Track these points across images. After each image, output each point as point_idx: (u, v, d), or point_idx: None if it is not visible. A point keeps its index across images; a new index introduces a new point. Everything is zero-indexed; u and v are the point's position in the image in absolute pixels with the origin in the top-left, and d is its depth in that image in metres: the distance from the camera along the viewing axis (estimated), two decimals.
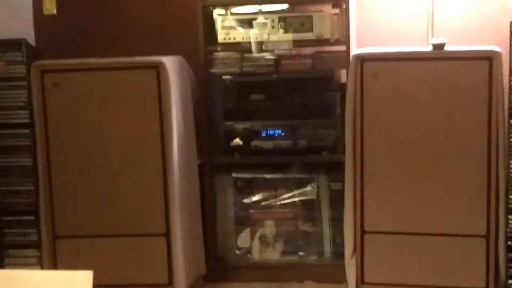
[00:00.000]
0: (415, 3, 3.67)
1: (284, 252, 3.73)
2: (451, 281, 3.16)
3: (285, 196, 3.69)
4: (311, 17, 3.54)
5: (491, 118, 3.05)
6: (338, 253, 3.53)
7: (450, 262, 3.15)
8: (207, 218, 3.65)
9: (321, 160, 3.63)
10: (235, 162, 3.71)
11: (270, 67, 3.60)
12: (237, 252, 3.76)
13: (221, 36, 3.60)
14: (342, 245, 3.37)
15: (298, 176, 3.71)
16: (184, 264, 3.32)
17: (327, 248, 3.69)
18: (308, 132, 3.66)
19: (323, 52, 3.63)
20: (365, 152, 3.18)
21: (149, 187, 3.27)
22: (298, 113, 3.66)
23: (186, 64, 3.54)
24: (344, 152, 3.25)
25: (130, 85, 3.27)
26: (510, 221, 3.14)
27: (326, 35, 3.53)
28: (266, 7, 3.61)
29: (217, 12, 3.64)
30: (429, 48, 3.17)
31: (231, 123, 3.72)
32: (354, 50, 3.34)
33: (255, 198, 3.71)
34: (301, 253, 3.71)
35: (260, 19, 3.56)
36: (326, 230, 3.68)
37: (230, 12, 3.65)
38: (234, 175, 3.74)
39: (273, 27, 3.56)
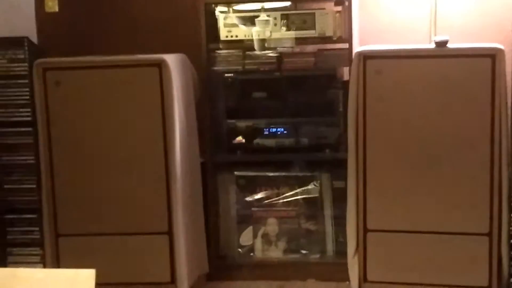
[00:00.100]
0: (418, 1, 3.66)
1: (286, 250, 3.73)
2: (454, 279, 3.15)
3: (287, 194, 3.69)
4: (313, 15, 3.54)
5: (494, 116, 3.04)
6: (341, 252, 3.52)
7: (453, 260, 3.15)
8: (210, 216, 3.65)
9: (323, 158, 3.63)
10: (237, 160, 3.70)
11: (272, 64, 3.59)
12: (240, 250, 3.76)
13: (223, 33, 3.60)
14: (344, 243, 3.37)
15: (300, 174, 3.71)
16: (186, 263, 3.31)
17: (330, 246, 3.69)
18: (310, 130, 3.66)
19: (326, 49, 3.62)
20: (368, 150, 3.17)
21: (152, 185, 3.27)
22: (300, 111, 3.66)
23: (188, 62, 3.53)
24: (346, 150, 3.24)
25: (133, 83, 3.26)
26: None
27: (329, 32, 3.53)
28: (269, 5, 3.61)
29: (219, 10, 3.63)
30: (432, 45, 3.17)
31: (233, 121, 3.72)
32: (357, 48, 3.33)
33: (258, 196, 3.71)
34: (303, 251, 3.71)
35: (263, 16, 3.55)
36: (329, 228, 3.68)
37: (233, 10, 3.65)
38: (236, 173, 3.73)
39: (275, 25, 3.56)
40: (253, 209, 3.72)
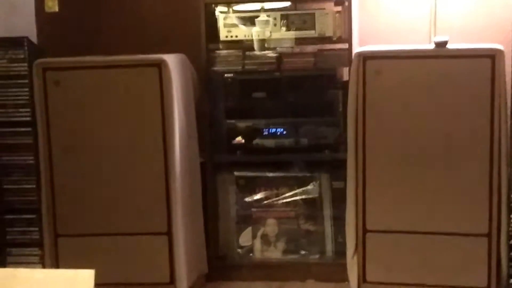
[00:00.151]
0: (418, 1, 3.66)
1: (286, 251, 3.72)
2: (453, 280, 3.15)
3: (287, 194, 3.69)
4: (313, 15, 3.54)
5: (493, 116, 3.04)
6: (340, 252, 3.52)
7: (452, 261, 3.14)
8: (209, 217, 3.65)
9: (323, 158, 3.63)
10: (237, 160, 3.70)
11: (272, 65, 3.59)
12: (239, 251, 3.76)
13: (223, 33, 3.60)
14: (344, 244, 3.36)
15: (300, 174, 3.71)
16: (186, 263, 3.31)
17: (329, 247, 3.69)
18: (310, 130, 3.66)
19: (326, 50, 3.62)
20: (367, 151, 3.17)
21: (151, 185, 3.27)
22: (300, 111, 3.66)
23: (188, 62, 3.53)
24: (346, 151, 3.24)
25: (132, 83, 3.26)
26: None
27: (329, 33, 3.53)
28: (268, 5, 3.61)
29: (219, 10, 3.63)
30: (432, 46, 3.17)
31: (233, 121, 3.72)
32: (357, 48, 3.33)
33: (257, 196, 3.71)
34: (303, 252, 3.71)
35: (262, 16, 3.55)
36: (328, 228, 3.68)
37: (232, 10, 3.65)
38: (236, 173, 3.73)
39: (275, 25, 3.56)
40: (252, 209, 3.72)
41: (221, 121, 3.73)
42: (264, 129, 3.71)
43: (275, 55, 3.58)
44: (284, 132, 3.69)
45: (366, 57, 3.14)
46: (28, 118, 3.50)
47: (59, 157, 3.31)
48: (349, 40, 3.48)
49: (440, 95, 3.09)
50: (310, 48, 3.67)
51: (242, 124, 3.71)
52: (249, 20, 3.59)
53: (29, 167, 3.53)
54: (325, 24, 3.52)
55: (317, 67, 3.57)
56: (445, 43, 3.10)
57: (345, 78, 3.60)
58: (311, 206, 3.68)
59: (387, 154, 3.15)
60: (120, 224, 3.31)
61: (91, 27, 3.89)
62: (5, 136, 3.53)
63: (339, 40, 3.54)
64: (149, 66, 3.24)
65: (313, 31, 3.54)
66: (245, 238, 3.75)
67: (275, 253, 3.72)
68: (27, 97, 3.49)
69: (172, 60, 3.26)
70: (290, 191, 3.69)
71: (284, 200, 3.69)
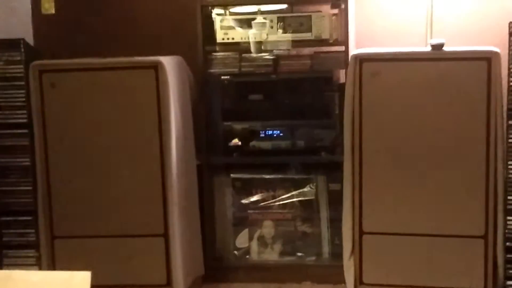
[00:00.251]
0: (414, 4, 3.66)
1: (282, 253, 3.73)
2: (450, 282, 3.15)
3: (283, 196, 3.69)
4: (310, 17, 3.54)
5: (489, 119, 3.05)
6: (337, 254, 3.53)
7: (448, 263, 3.15)
8: (206, 219, 3.65)
9: (319, 160, 3.63)
10: (233, 162, 3.71)
11: (268, 67, 3.59)
12: (236, 252, 3.76)
13: (220, 36, 3.60)
14: (340, 245, 3.36)
15: (296, 176, 3.71)
16: (182, 265, 3.31)
17: (326, 248, 3.69)
18: (306, 133, 3.66)
19: (322, 52, 3.62)
20: (364, 153, 3.17)
21: (148, 187, 3.27)
22: (296, 113, 3.66)
23: (184, 64, 3.53)
24: (342, 153, 3.24)
25: (129, 85, 3.26)
26: (508, 222, 3.14)
27: (325, 35, 3.53)
28: (265, 7, 3.61)
29: (215, 12, 3.63)
30: (428, 48, 3.17)
31: (229, 123, 3.72)
32: (353, 51, 3.34)
33: (254, 198, 3.71)
34: (299, 254, 3.71)
35: (259, 19, 3.55)
36: (325, 230, 3.68)
37: (229, 12, 3.65)
38: (232, 175, 3.74)
39: (272, 27, 3.56)
40: (249, 211, 3.72)
41: (217, 123, 3.73)
42: (261, 131, 3.71)
43: (271, 57, 3.59)
44: (281, 134, 3.69)
45: (363, 60, 3.14)
46: (24, 120, 3.49)
47: (55, 159, 3.31)
48: (345, 42, 3.48)
49: (436, 97, 3.09)
50: (306, 51, 3.67)
51: (238, 126, 3.72)
52: (246, 23, 3.59)
53: (25, 169, 3.52)
54: (322, 27, 3.52)
55: (314, 69, 3.58)
56: (442, 45, 3.11)
57: (342, 80, 3.61)
58: (308, 208, 3.68)
59: (384, 156, 3.16)
60: (116, 225, 3.31)
61: (88, 29, 3.88)
62: (1, 138, 3.52)
63: (336, 42, 3.55)
64: (145, 68, 3.24)
65: (309, 34, 3.54)
66: (241, 240, 3.75)
67: (271, 255, 3.72)
68: (24, 99, 3.48)
69: (168, 62, 3.26)
70: (287, 193, 3.69)
71: (281, 202, 3.69)
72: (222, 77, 3.70)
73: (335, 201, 3.53)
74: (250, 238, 3.74)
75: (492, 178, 3.07)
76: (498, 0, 3.61)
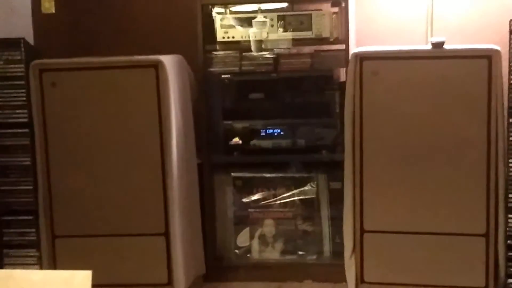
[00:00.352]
0: (415, 2, 3.66)
1: (283, 252, 3.72)
2: (451, 280, 3.15)
3: (284, 195, 3.69)
4: (310, 16, 3.54)
5: (490, 117, 3.05)
6: (338, 252, 3.52)
7: (449, 261, 3.15)
8: (206, 218, 3.64)
9: (320, 159, 3.63)
10: (234, 161, 3.70)
11: (269, 66, 3.59)
12: (237, 251, 3.76)
13: (220, 34, 3.60)
14: (341, 244, 3.36)
15: (297, 175, 3.71)
16: (183, 264, 3.31)
17: (327, 247, 3.69)
18: (307, 131, 3.66)
19: (322, 50, 3.62)
20: (365, 151, 3.17)
21: (148, 186, 3.27)
22: (297, 112, 3.66)
23: (185, 63, 3.53)
24: (343, 151, 3.24)
25: (129, 84, 3.26)
26: (509, 220, 3.13)
27: (325, 33, 3.53)
28: (265, 6, 3.61)
29: (216, 11, 3.63)
30: (429, 46, 3.17)
31: (230, 122, 3.72)
32: (353, 49, 3.34)
33: (255, 197, 3.71)
34: (300, 253, 3.71)
35: (259, 17, 3.55)
36: (326, 229, 3.68)
37: (229, 11, 3.65)
38: (233, 174, 3.73)
39: (272, 26, 3.56)
40: (250, 210, 3.72)
41: (218, 122, 3.73)
42: (261, 130, 3.71)
43: (272, 56, 3.59)
44: (281, 133, 3.69)
45: (363, 58, 3.14)
46: (24, 120, 3.49)
47: (56, 158, 3.31)
48: (346, 41, 3.48)
49: (437, 95, 3.09)
50: (307, 49, 3.67)
51: (239, 125, 3.72)
52: (246, 21, 3.59)
53: (26, 168, 3.52)
54: (322, 25, 3.52)
55: (314, 68, 3.58)
56: (442, 43, 3.11)
57: (342, 79, 3.60)
58: (309, 206, 3.68)
59: (385, 154, 3.16)
60: (117, 225, 3.30)
61: (88, 28, 3.88)
62: (2, 138, 3.52)
63: (336, 41, 3.54)
64: (146, 67, 3.24)
65: (310, 32, 3.54)
66: (242, 239, 3.75)
67: (272, 254, 3.72)
68: (24, 99, 3.48)
69: (169, 61, 3.26)
70: (288, 191, 3.69)
71: (282, 201, 3.69)
72: (223, 76, 3.70)
73: (336, 199, 3.53)
74: (251, 237, 3.74)
75: (493, 176, 3.07)
76: None
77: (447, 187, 3.12)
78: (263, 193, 3.71)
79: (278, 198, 3.70)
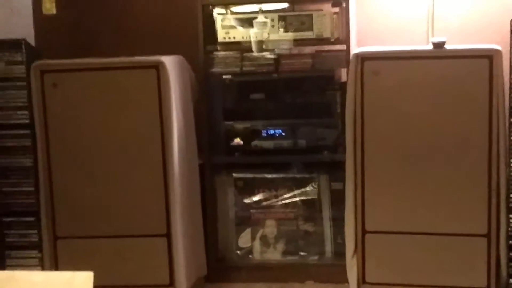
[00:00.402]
0: (415, 2, 3.66)
1: (285, 252, 3.72)
2: (453, 280, 3.15)
3: (286, 196, 3.69)
4: (311, 16, 3.54)
5: (491, 117, 3.05)
6: (339, 253, 3.52)
7: (451, 262, 3.14)
8: (208, 219, 3.64)
9: (321, 159, 3.62)
10: (235, 162, 3.70)
11: (270, 66, 3.59)
12: (238, 252, 3.76)
13: (221, 35, 3.60)
14: (343, 245, 3.36)
15: (298, 176, 3.71)
16: (185, 265, 3.31)
17: (328, 248, 3.69)
18: (308, 132, 3.66)
19: (323, 51, 3.62)
20: (366, 152, 3.17)
21: (150, 187, 3.27)
22: (298, 112, 3.66)
23: (186, 64, 3.53)
24: (344, 152, 3.24)
25: (130, 85, 3.26)
26: (511, 220, 3.13)
27: (326, 34, 3.53)
28: (266, 6, 3.61)
29: (217, 11, 3.63)
30: (430, 46, 3.17)
31: (231, 122, 3.72)
32: (354, 49, 3.33)
33: (256, 198, 3.71)
34: (302, 253, 3.71)
35: (260, 18, 3.55)
36: (327, 230, 3.68)
37: (230, 11, 3.65)
38: (234, 175, 3.73)
39: (273, 26, 3.56)
40: (251, 211, 3.72)
41: (219, 123, 3.73)
42: (263, 131, 3.71)
43: (273, 56, 3.58)
44: (283, 134, 3.69)
45: (364, 58, 3.14)
46: (26, 121, 3.49)
47: (58, 159, 3.31)
48: (347, 41, 3.48)
49: (438, 95, 3.09)
50: (308, 50, 3.66)
51: (240, 126, 3.71)
52: (247, 22, 3.59)
53: (28, 169, 3.52)
54: (323, 25, 3.52)
55: (315, 68, 3.57)
56: (443, 43, 3.11)
57: (343, 79, 3.60)
58: (310, 207, 3.68)
59: (386, 154, 3.16)
60: (119, 226, 3.31)
61: (89, 29, 3.89)
62: (4, 139, 3.52)
63: (337, 41, 3.54)
64: (147, 68, 3.24)
65: (311, 33, 3.54)
66: (244, 240, 3.75)
67: (274, 255, 3.72)
68: (25, 100, 3.48)
69: (170, 62, 3.26)
70: (289, 192, 3.69)
71: (283, 202, 3.69)
72: (224, 76, 3.70)
73: (338, 200, 3.53)
74: (253, 238, 3.73)
75: (495, 176, 3.07)
76: None
77: (448, 187, 3.11)
78: (265, 193, 3.71)
79: (279, 198, 3.69)
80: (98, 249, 3.31)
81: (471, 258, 3.13)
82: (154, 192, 3.26)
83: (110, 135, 3.28)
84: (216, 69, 3.62)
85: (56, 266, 3.35)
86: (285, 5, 3.64)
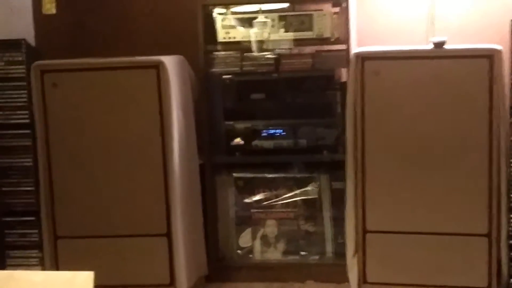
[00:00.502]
0: (416, 2, 3.66)
1: (285, 252, 3.72)
2: (453, 280, 3.15)
3: (286, 195, 3.68)
4: (311, 16, 3.54)
5: (492, 117, 3.04)
6: (340, 253, 3.52)
7: (452, 261, 3.14)
8: (208, 218, 3.64)
9: (322, 159, 3.62)
10: (236, 161, 3.70)
11: (270, 66, 3.59)
12: (239, 252, 3.76)
13: (221, 35, 3.60)
14: (343, 244, 3.36)
15: (299, 175, 3.70)
16: (185, 264, 3.31)
17: (329, 247, 3.69)
18: (309, 131, 3.65)
19: (324, 51, 3.62)
20: (366, 151, 3.17)
21: (150, 187, 3.27)
22: (299, 112, 3.66)
23: (186, 64, 3.53)
24: (345, 151, 3.24)
25: (130, 85, 3.26)
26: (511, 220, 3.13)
27: (327, 34, 3.53)
28: (267, 6, 3.61)
29: (217, 11, 3.63)
30: (430, 46, 3.16)
31: (231, 122, 3.72)
32: (355, 49, 3.33)
33: (256, 198, 3.71)
34: (302, 253, 3.71)
35: (261, 18, 3.55)
36: (328, 229, 3.67)
37: (230, 11, 3.64)
38: (235, 174, 3.73)
39: (273, 26, 3.56)
40: (252, 210, 3.71)
41: (219, 123, 3.73)
42: (263, 131, 3.71)
43: (273, 56, 3.58)
44: (283, 133, 3.69)
45: (364, 58, 3.14)
46: (26, 120, 3.50)
47: (58, 159, 3.31)
48: (347, 41, 3.48)
49: (438, 95, 3.09)
50: (308, 49, 3.66)
51: (240, 126, 3.71)
52: (247, 22, 3.59)
53: (28, 169, 3.53)
54: (323, 25, 3.52)
55: (315, 68, 3.57)
56: (443, 43, 3.10)
57: (344, 79, 3.60)
58: (311, 207, 3.68)
59: (386, 154, 3.15)
60: (119, 225, 3.30)
61: (89, 29, 3.88)
62: (4, 138, 3.53)
63: (337, 41, 3.54)
64: (147, 68, 3.24)
65: (311, 32, 3.54)
66: (244, 239, 3.75)
67: (275, 254, 3.72)
68: (25, 99, 3.49)
69: (170, 62, 3.26)
70: (290, 192, 3.69)
71: (284, 201, 3.68)
72: (224, 76, 3.70)
73: (338, 199, 3.53)
74: (253, 238, 3.73)
75: (495, 176, 3.07)
76: None
77: (449, 187, 3.11)
78: (265, 193, 3.71)
79: (280, 198, 3.69)
80: (99, 249, 3.31)
81: (472, 258, 3.13)
82: (155, 191, 3.26)
83: (110, 135, 3.28)
84: (216, 69, 3.62)
85: (56, 265, 3.35)
86: (285, 5, 3.64)
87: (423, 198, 3.14)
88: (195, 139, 3.53)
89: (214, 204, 3.70)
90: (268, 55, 3.58)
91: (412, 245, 3.17)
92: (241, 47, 3.60)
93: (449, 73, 3.08)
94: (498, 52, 3.03)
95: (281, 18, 3.56)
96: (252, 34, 3.55)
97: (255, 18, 3.56)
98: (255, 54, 3.57)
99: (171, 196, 3.24)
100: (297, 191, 3.68)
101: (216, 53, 3.61)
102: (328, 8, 3.62)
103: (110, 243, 3.31)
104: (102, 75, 3.28)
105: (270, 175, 3.71)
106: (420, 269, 3.17)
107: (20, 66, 3.50)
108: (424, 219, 3.15)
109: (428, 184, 3.13)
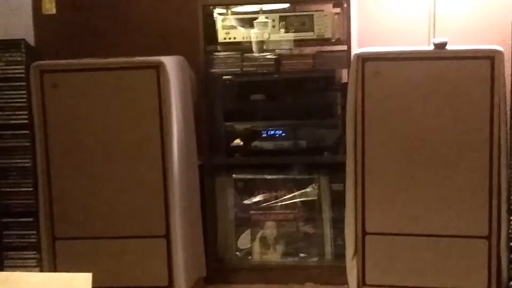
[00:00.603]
0: (417, 3, 3.65)
1: (285, 254, 3.71)
2: (453, 282, 3.14)
3: (286, 197, 3.68)
4: (312, 17, 3.53)
5: (493, 118, 3.04)
6: (339, 255, 3.51)
7: (452, 264, 3.14)
8: (208, 220, 3.63)
9: (322, 160, 3.61)
10: (235, 163, 3.70)
11: (271, 66, 3.58)
12: (238, 253, 3.75)
13: (222, 35, 3.59)
14: (343, 246, 3.35)
15: (299, 177, 3.70)
16: (184, 266, 3.30)
17: (328, 249, 3.68)
18: (309, 133, 3.65)
19: (324, 51, 3.62)
20: (367, 153, 3.16)
21: (149, 188, 3.26)
22: (299, 113, 3.65)
23: (186, 64, 3.52)
24: (345, 153, 3.23)
25: (130, 85, 3.25)
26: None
27: (327, 34, 3.52)
28: (267, 7, 3.60)
29: (217, 12, 3.62)
30: (431, 47, 3.16)
31: (231, 123, 3.71)
32: (355, 50, 3.33)
33: (256, 199, 3.70)
34: (302, 255, 3.70)
35: (261, 18, 3.54)
36: (327, 231, 3.67)
37: (231, 12, 3.64)
38: (234, 176, 3.72)
39: (274, 27, 3.55)
40: (251, 212, 3.71)
41: (219, 123, 3.72)
42: (263, 131, 3.70)
43: (273, 57, 3.58)
44: (283, 134, 3.68)
45: (365, 59, 3.13)
46: (25, 121, 3.49)
47: (57, 160, 3.30)
48: (347, 41, 3.47)
49: (439, 96, 3.08)
50: (308, 50, 3.66)
51: (240, 126, 3.70)
52: (248, 22, 3.58)
53: (26, 170, 3.52)
54: (324, 26, 3.51)
55: (316, 69, 3.57)
56: (444, 44, 3.10)
57: (344, 80, 3.60)
58: (310, 208, 3.67)
59: (387, 156, 3.15)
60: (118, 227, 3.29)
61: (89, 29, 3.88)
62: (2, 139, 3.52)
63: (338, 41, 3.54)
64: (147, 68, 3.23)
65: (311, 33, 3.53)
66: (243, 241, 3.74)
67: (274, 256, 3.71)
68: (25, 100, 3.48)
69: (170, 62, 3.25)
70: (289, 193, 3.68)
71: (283, 203, 3.68)
72: (224, 77, 3.69)
73: (338, 201, 3.52)
74: (252, 239, 3.72)
75: (496, 178, 3.06)
76: None
77: (449, 189, 3.11)
78: (265, 194, 3.70)
79: (279, 200, 3.68)
80: (97, 250, 3.30)
81: (472, 260, 3.13)
82: (154, 193, 3.25)
83: (110, 136, 3.27)
84: (216, 70, 3.61)
85: (54, 267, 3.34)
86: (286, 5, 3.63)
87: (423, 200, 3.13)
88: (195, 139, 3.52)
89: (213, 205, 3.69)
90: (269, 55, 3.58)
91: (412, 247, 3.17)
92: (241, 47, 3.59)
93: (450, 74, 3.07)
94: (499, 53, 3.02)
95: (282, 18, 3.56)
96: (253, 34, 3.55)
97: (255, 18, 3.55)
98: (256, 54, 3.57)
99: (170, 197, 3.23)
100: (297, 193, 3.67)
101: (216, 53, 3.60)
102: (329, 8, 3.61)
103: (109, 245, 3.30)
104: (102, 75, 3.27)
105: (270, 177, 3.70)
106: (419, 272, 3.17)
107: (20, 66, 3.49)
108: (424, 221, 3.14)
109: (428, 185, 3.12)
